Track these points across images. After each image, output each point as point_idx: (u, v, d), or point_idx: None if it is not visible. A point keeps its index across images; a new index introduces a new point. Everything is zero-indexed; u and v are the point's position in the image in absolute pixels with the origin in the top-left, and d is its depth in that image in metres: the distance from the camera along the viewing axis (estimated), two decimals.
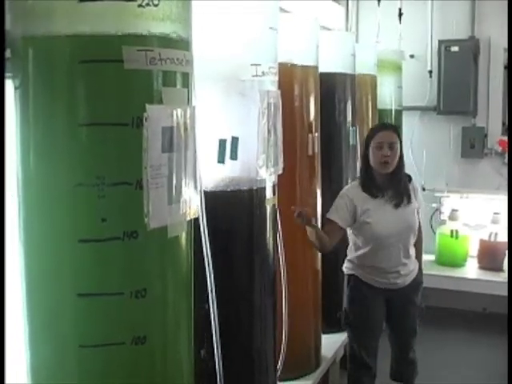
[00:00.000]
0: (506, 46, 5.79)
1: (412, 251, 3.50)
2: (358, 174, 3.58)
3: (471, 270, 5.63)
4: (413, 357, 3.72)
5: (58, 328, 1.67)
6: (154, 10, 1.60)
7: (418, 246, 3.61)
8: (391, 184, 3.37)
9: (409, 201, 3.41)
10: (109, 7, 1.54)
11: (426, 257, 3.89)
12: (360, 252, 3.44)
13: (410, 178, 3.48)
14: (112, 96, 1.58)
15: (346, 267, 3.56)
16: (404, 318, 3.57)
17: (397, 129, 3.50)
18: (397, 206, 3.37)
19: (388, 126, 3.58)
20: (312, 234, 3.26)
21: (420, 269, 3.60)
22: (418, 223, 3.48)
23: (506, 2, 5.60)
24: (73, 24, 1.53)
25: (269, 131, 2.48)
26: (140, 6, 1.57)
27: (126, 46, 1.55)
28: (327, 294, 3.91)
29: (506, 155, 5.84)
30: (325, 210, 3.68)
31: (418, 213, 3.51)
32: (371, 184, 3.36)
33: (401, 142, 3.39)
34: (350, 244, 3.50)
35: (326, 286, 3.90)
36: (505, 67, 5.88)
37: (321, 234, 3.28)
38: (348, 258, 3.54)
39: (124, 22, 1.56)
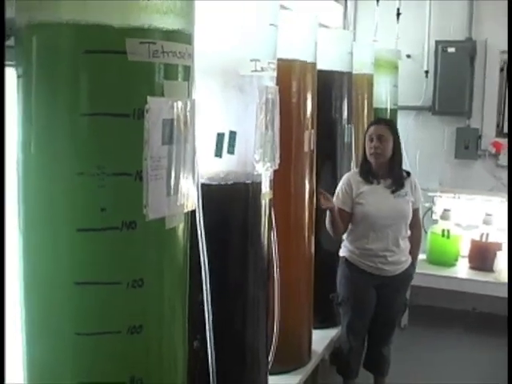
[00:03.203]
0: (503, 49, 5.83)
1: (403, 242, 3.63)
2: (359, 164, 3.82)
3: (462, 269, 5.66)
4: (386, 353, 3.85)
5: (54, 315, 1.69)
6: (158, 4, 1.62)
7: (415, 241, 3.77)
8: (389, 174, 3.62)
9: (405, 193, 3.60)
10: None
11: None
12: (352, 233, 3.64)
13: (408, 174, 3.71)
14: (115, 87, 1.59)
15: (340, 250, 3.75)
16: (387, 309, 3.68)
17: (391, 123, 3.77)
18: (393, 193, 3.59)
19: (380, 121, 3.87)
20: (329, 219, 3.55)
21: (413, 264, 3.70)
22: (411, 215, 3.64)
23: (503, 5, 5.63)
24: (78, 14, 1.54)
25: (266, 126, 2.50)
26: None
27: (130, 39, 1.57)
28: (319, 290, 3.94)
29: (500, 157, 5.88)
30: (318, 205, 3.75)
31: (416, 209, 3.71)
32: (368, 172, 3.62)
33: (397, 137, 3.64)
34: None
35: (319, 284, 3.93)
36: (501, 70, 5.91)
37: (337, 218, 3.54)
38: (343, 240, 3.72)
39: (129, 14, 1.57)
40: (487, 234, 5.51)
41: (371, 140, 3.55)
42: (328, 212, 3.55)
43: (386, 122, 3.76)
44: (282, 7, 3.28)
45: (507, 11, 5.11)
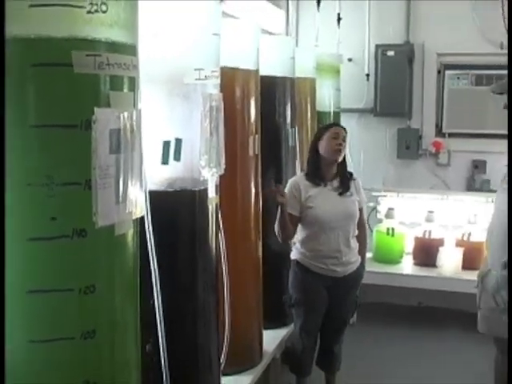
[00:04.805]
0: (439, 51, 6.04)
1: (353, 243, 3.72)
2: (306, 165, 3.87)
3: (407, 266, 5.80)
4: (337, 351, 3.94)
5: (8, 324, 1.71)
6: (102, 17, 1.66)
7: (362, 240, 3.86)
8: (336, 175, 3.70)
9: (350, 193, 3.70)
10: (59, 13, 1.59)
11: None
12: (303, 236, 3.70)
13: (351, 175, 3.80)
14: (62, 99, 1.63)
15: (292, 253, 3.79)
16: (339, 308, 3.76)
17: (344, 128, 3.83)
18: (340, 194, 3.67)
19: (338, 124, 4.11)
20: (278, 223, 3.60)
21: (362, 263, 3.80)
22: (358, 214, 3.73)
23: (439, 9, 5.84)
24: (24, 28, 1.57)
25: (211, 133, 2.56)
26: (89, 12, 1.63)
27: (76, 51, 1.61)
28: (268, 291, 4.01)
29: (440, 156, 6.08)
30: (265, 208, 3.83)
31: (361, 209, 3.79)
32: (315, 174, 3.68)
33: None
34: (297, 231, 3.72)
35: (267, 285, 4.01)
36: (438, 72, 6.11)
37: (287, 218, 3.58)
38: (294, 243, 3.78)
39: (74, 27, 1.61)
40: (430, 231, 5.68)
41: (335, 138, 3.63)
42: (278, 214, 3.59)
43: (342, 126, 3.87)
44: (225, 14, 3.35)
45: (507, 11, 5.17)
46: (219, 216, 2.82)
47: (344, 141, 3.66)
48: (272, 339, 4.14)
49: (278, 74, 4.30)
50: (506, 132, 3.35)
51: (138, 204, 1.86)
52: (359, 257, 3.79)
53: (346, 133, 3.74)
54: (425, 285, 5.55)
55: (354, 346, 4.46)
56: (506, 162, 3.34)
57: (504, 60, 5.30)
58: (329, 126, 3.82)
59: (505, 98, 3.27)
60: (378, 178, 6.14)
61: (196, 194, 2.59)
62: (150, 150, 2.31)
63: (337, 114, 5.86)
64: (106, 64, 1.68)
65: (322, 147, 3.66)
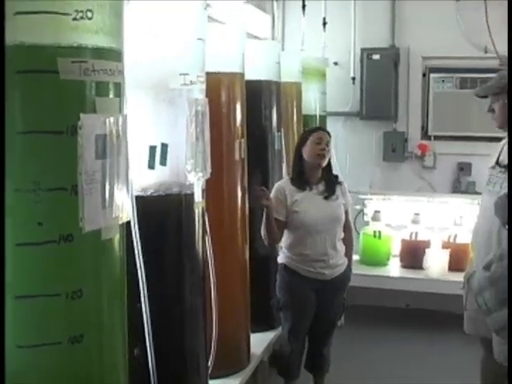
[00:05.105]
0: (424, 55, 6.09)
1: (340, 245, 3.74)
2: (291, 170, 3.88)
3: (394, 268, 5.84)
4: (326, 353, 3.95)
5: None
6: (87, 23, 1.67)
7: (348, 243, 3.87)
8: (321, 179, 3.71)
9: (336, 196, 3.71)
10: (45, 20, 1.60)
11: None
12: (289, 240, 3.70)
13: (336, 178, 3.82)
14: (48, 105, 1.64)
15: (279, 257, 3.80)
16: (326, 311, 3.77)
17: (328, 132, 3.85)
18: (325, 198, 3.68)
19: (321, 128, 4.05)
20: (264, 228, 3.60)
21: (349, 266, 3.83)
22: (344, 217, 3.75)
23: (424, 14, 5.90)
24: (10, 35, 1.58)
25: (197, 138, 2.57)
26: (74, 19, 1.64)
27: (61, 58, 1.62)
28: (255, 294, 4.03)
29: (425, 158, 6.12)
30: (252, 212, 3.84)
31: (346, 211, 3.79)
32: (300, 178, 3.69)
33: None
34: (284, 235, 3.73)
35: (254, 288, 4.02)
36: (423, 75, 6.16)
37: (272, 221, 3.59)
38: (281, 248, 3.79)
39: (59, 34, 1.62)
40: (416, 233, 5.72)
41: (319, 143, 3.63)
42: (264, 218, 3.60)
43: (325, 130, 3.89)
44: (211, 19, 3.36)
45: (507, 12, 5.05)
46: (206, 220, 2.83)
47: (327, 145, 3.67)
48: (260, 342, 4.15)
49: (264, 79, 4.32)
50: (490, 134, 3.39)
51: (124, 209, 1.87)
52: (346, 259, 3.80)
53: (330, 137, 3.75)
54: (412, 287, 5.59)
55: (343, 348, 4.48)
56: (490, 164, 3.37)
57: (487, 63, 5.45)
58: (312, 131, 3.81)
59: (488, 102, 3.31)
60: (364, 180, 6.17)
61: (182, 198, 2.60)
62: (136, 155, 2.33)
63: (323, 118, 5.88)
64: (91, 70, 1.69)
65: (306, 152, 3.68)
